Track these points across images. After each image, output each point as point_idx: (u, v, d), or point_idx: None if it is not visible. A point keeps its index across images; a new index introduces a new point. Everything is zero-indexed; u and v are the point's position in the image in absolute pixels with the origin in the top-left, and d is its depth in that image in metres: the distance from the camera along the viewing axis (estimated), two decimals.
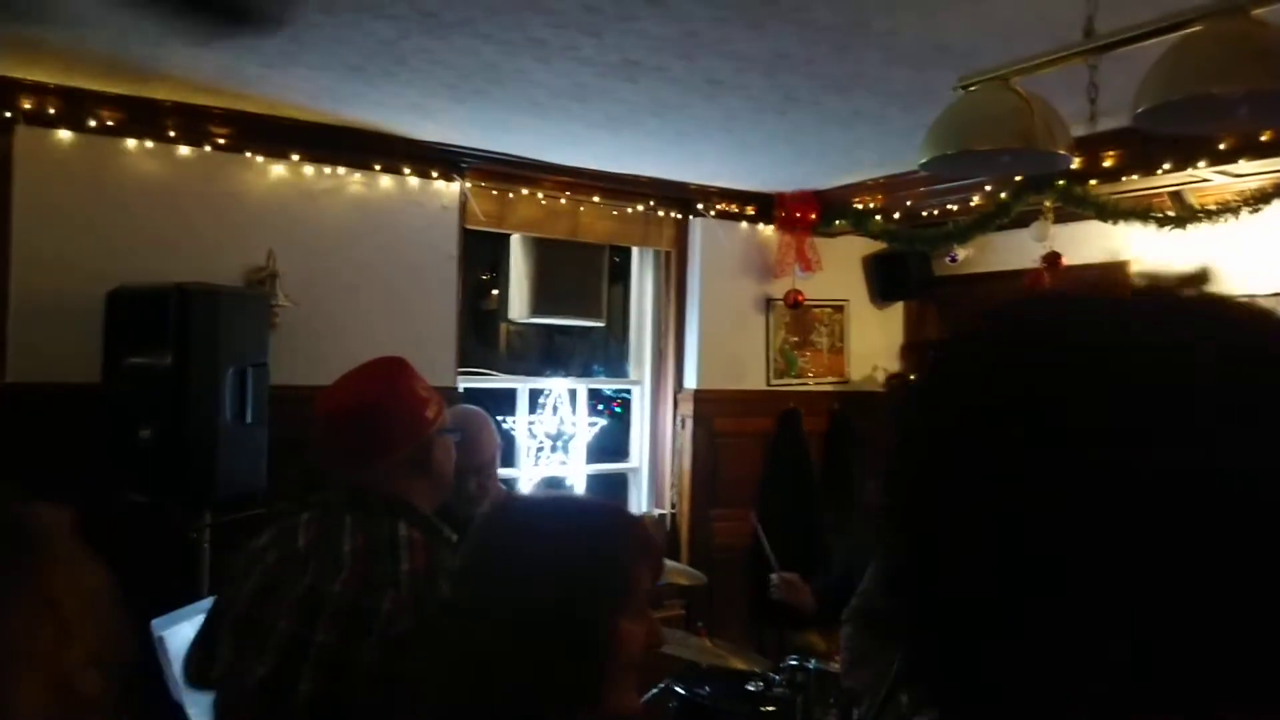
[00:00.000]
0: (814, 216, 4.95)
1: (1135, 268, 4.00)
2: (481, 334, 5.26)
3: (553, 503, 1.53)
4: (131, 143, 3.59)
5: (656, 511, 5.04)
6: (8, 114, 3.35)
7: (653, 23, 2.65)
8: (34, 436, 3.19)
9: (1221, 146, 3.48)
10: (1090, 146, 3.42)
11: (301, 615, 1.58)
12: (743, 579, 4.96)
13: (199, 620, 2.63)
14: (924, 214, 4.76)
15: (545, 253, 4.63)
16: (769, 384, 5.20)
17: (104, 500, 3.20)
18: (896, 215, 4.80)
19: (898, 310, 5.66)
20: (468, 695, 1.17)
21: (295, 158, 3.89)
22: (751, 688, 3.16)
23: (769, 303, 5.18)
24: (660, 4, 2.52)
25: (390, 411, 1.82)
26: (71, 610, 0.94)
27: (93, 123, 3.48)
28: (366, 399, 1.84)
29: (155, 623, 2.45)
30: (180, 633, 2.54)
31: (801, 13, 2.56)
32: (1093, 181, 3.90)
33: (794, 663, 3.07)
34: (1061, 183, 3.89)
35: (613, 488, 5.20)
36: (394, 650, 1.51)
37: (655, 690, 3.31)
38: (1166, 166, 3.69)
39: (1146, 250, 4.40)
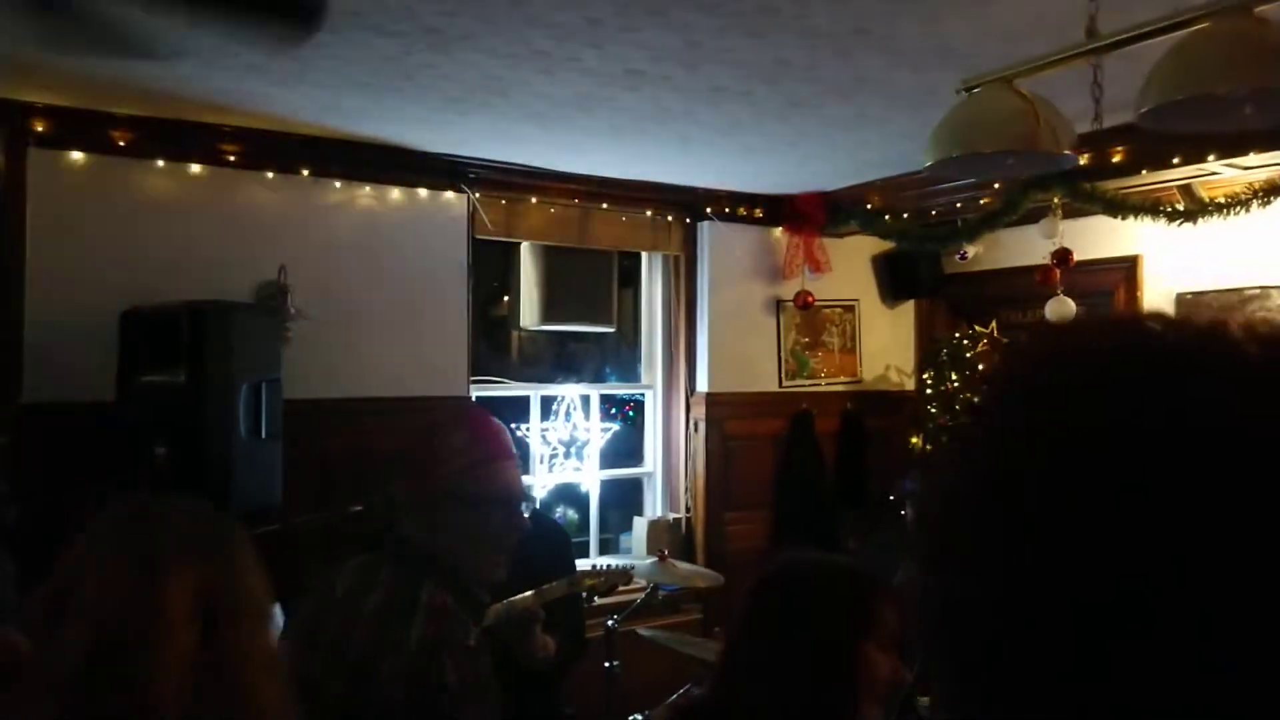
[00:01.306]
0: (822, 218, 4.95)
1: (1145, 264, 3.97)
2: (493, 342, 5.28)
3: (815, 557, 1.75)
4: (142, 162, 3.62)
5: (672, 516, 5.04)
6: (20, 136, 3.39)
7: (654, 33, 2.66)
8: (50, 456, 3.22)
9: (1229, 140, 3.46)
10: (1097, 142, 3.41)
11: (324, 666, 1.60)
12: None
13: None
14: (932, 212, 4.75)
15: (554, 260, 4.65)
16: (781, 385, 5.20)
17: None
18: (905, 214, 4.79)
19: (909, 309, 5.65)
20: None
21: (304, 173, 3.91)
22: None
23: (779, 304, 5.18)
24: (661, 14, 2.53)
25: (409, 454, 1.81)
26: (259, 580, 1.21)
27: (103, 143, 3.52)
28: (412, 436, 1.86)
29: None
30: None
31: (801, 20, 2.56)
32: (1100, 178, 3.89)
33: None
34: (1069, 179, 3.87)
35: (627, 493, 5.21)
36: (390, 717, 1.50)
37: (676, 695, 3.32)
38: (1176, 160, 3.68)
39: (1157, 245, 4.38)
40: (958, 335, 5.09)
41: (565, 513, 5.24)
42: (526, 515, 1.85)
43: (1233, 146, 3.49)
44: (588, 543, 4.98)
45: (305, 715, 1.61)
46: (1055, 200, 4.16)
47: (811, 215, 4.93)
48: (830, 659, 1.44)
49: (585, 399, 4.96)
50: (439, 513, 1.72)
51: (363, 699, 1.54)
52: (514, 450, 1.86)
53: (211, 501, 3.12)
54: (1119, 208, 3.98)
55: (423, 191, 4.19)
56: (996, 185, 4.23)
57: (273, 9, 2.10)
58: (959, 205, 4.59)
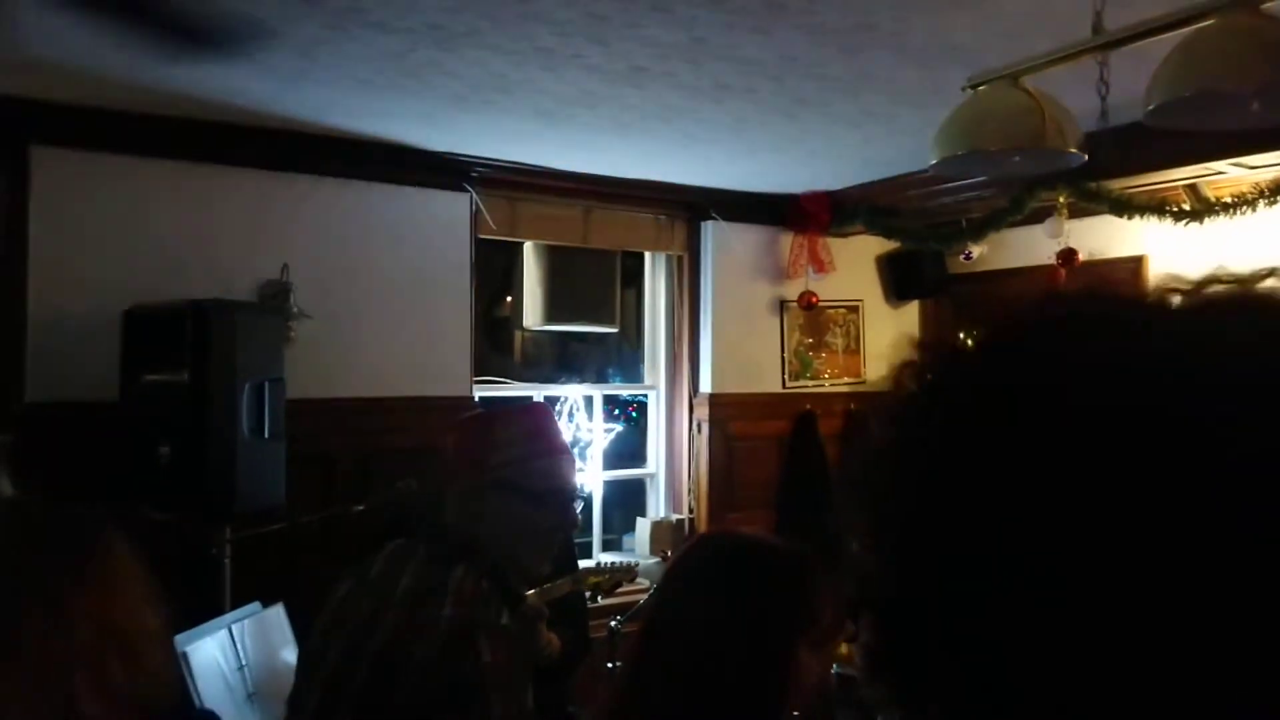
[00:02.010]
0: (826, 217, 4.93)
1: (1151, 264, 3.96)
2: (496, 342, 5.27)
3: (745, 535, 1.58)
4: (145, 161, 3.62)
5: (675, 517, 5.03)
6: (23, 134, 3.39)
7: (659, 29, 2.65)
8: (54, 455, 3.21)
9: (1236, 138, 3.44)
10: (1103, 141, 3.39)
11: (347, 651, 1.56)
12: None
13: (222, 635, 2.66)
14: (937, 212, 4.74)
15: (558, 260, 4.64)
16: (784, 386, 5.19)
17: (124, 518, 3.23)
18: (909, 214, 4.77)
19: (913, 309, 5.63)
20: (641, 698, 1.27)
21: (308, 172, 3.91)
22: None
23: (783, 305, 5.16)
24: (666, 10, 2.52)
25: (454, 442, 1.76)
26: (127, 619, 0.99)
27: (106, 141, 3.51)
28: (454, 425, 1.82)
29: (179, 638, 2.46)
30: (203, 648, 2.56)
31: (808, 16, 2.55)
32: (1106, 177, 3.87)
33: None
34: (1075, 178, 3.86)
35: (630, 493, 5.20)
36: (421, 705, 1.47)
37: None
38: (1182, 159, 3.66)
39: (1163, 244, 4.36)
40: (962, 336, 5.07)
41: None
42: (579, 512, 1.82)
43: (1239, 146, 3.48)
44: (591, 543, 4.97)
45: (320, 706, 1.59)
46: (1061, 200, 4.14)
47: (816, 215, 4.91)
48: (754, 660, 1.24)
49: (588, 399, 4.95)
50: (488, 501, 1.68)
51: (390, 685, 1.50)
52: (568, 447, 1.83)
53: (214, 501, 3.12)
54: (1125, 207, 3.96)
55: (426, 190, 4.18)
56: (1002, 184, 4.22)
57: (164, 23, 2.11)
58: (964, 205, 4.57)
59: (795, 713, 1.29)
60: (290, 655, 2.90)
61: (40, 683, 0.97)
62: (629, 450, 5.22)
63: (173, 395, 3.10)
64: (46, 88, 3.30)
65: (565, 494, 1.74)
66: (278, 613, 2.94)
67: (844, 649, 3.26)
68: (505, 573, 1.66)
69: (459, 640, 1.51)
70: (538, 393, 4.82)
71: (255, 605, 2.89)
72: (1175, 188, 4.00)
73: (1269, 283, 0.49)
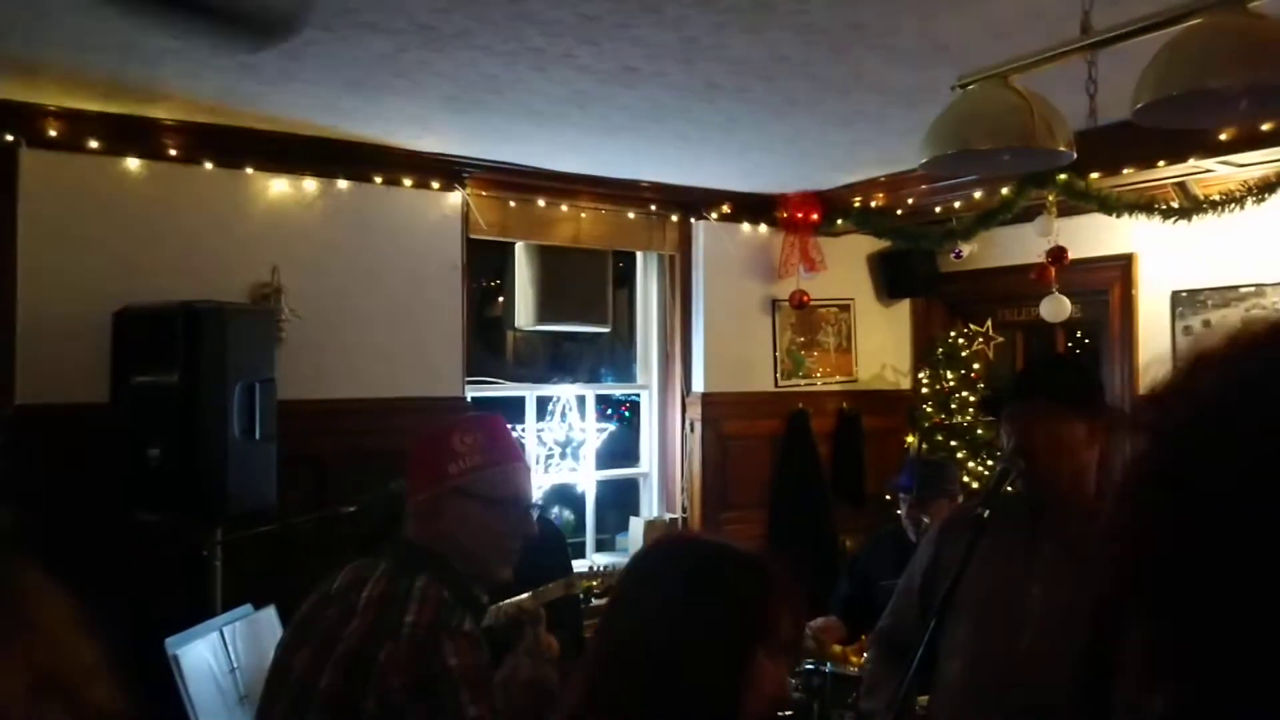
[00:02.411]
0: (816, 217, 4.94)
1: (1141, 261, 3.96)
2: (488, 342, 5.27)
3: (700, 539, 1.57)
4: (134, 163, 3.61)
5: (668, 516, 5.04)
6: (11, 137, 3.37)
7: (649, 29, 2.65)
8: (44, 457, 3.20)
9: (1224, 137, 3.46)
10: (1092, 139, 3.41)
11: (313, 659, 1.59)
12: None
13: (213, 637, 2.65)
14: (928, 211, 4.75)
15: (549, 260, 4.63)
16: (776, 385, 5.19)
17: (115, 520, 3.22)
18: (900, 213, 4.79)
19: (904, 308, 5.64)
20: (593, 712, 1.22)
21: (298, 173, 3.90)
22: None
23: (774, 304, 5.17)
24: (657, 10, 2.52)
25: (413, 455, 1.78)
26: (61, 661, 0.92)
27: (95, 144, 3.50)
28: (414, 439, 1.83)
29: (169, 641, 2.46)
30: (194, 650, 2.55)
31: (798, 16, 2.56)
32: (1095, 175, 3.89)
33: (810, 667, 3.07)
34: (1064, 177, 3.87)
35: (623, 493, 5.20)
36: (391, 707, 1.49)
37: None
38: (1170, 158, 3.67)
39: (1152, 243, 4.39)
40: (953, 334, 5.09)
41: (561, 513, 5.23)
42: (535, 520, 1.83)
43: (1227, 144, 3.49)
44: (584, 543, 4.97)
45: (290, 712, 1.59)
46: (1050, 198, 4.16)
47: (807, 214, 4.92)
48: (709, 664, 1.20)
49: (581, 399, 4.95)
50: (447, 510, 1.70)
51: (359, 690, 1.52)
52: (524, 455, 1.85)
53: (206, 502, 3.11)
54: (1114, 205, 3.98)
55: (417, 191, 4.18)
56: (992, 183, 4.23)
57: (241, 17, 2.09)
58: (955, 204, 4.59)
59: (756, 715, 1.25)
60: None
61: None
62: (622, 450, 5.22)
63: (163, 397, 3.09)
64: (34, 90, 3.29)
65: (522, 501, 1.77)
66: (269, 615, 2.93)
67: (837, 649, 3.28)
68: (465, 582, 1.67)
69: (423, 644, 1.53)
70: (530, 393, 4.82)
71: (247, 607, 2.88)
72: (1164, 186, 4.02)
73: None
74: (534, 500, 1.83)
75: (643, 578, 1.33)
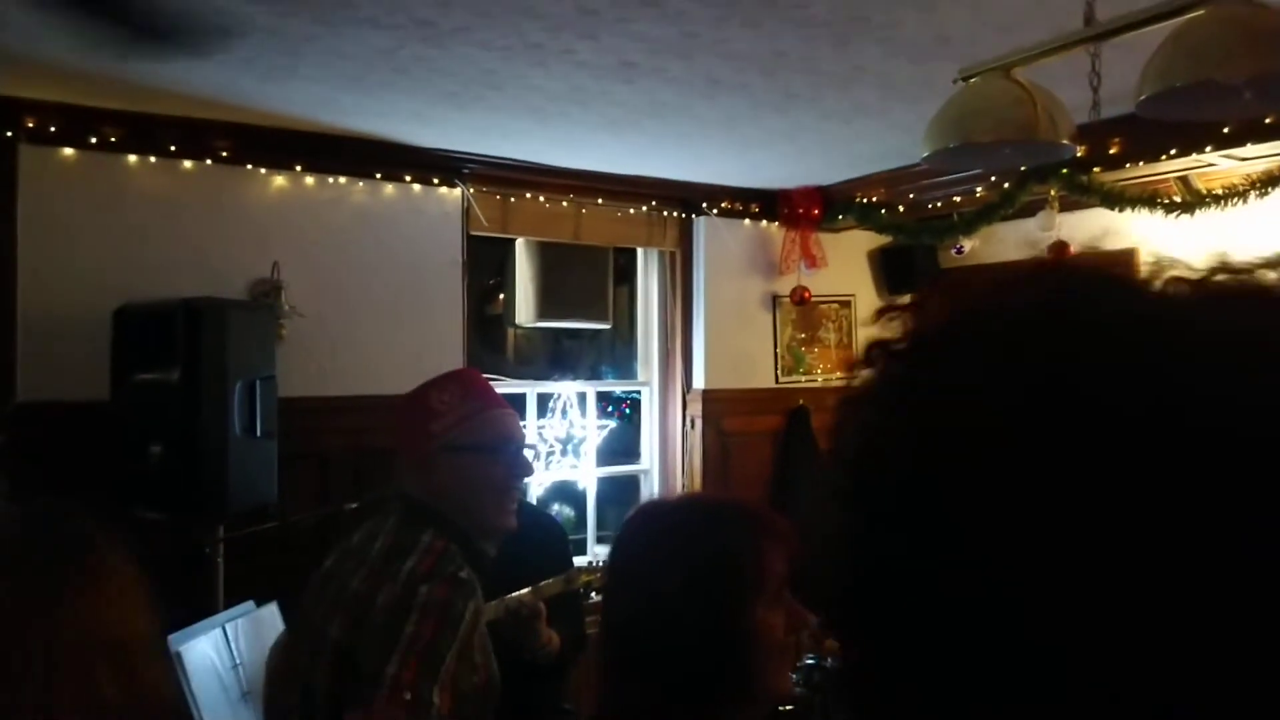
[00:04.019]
0: (818, 212, 4.94)
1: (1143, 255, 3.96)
2: (488, 339, 5.26)
3: (680, 502, 1.60)
4: (134, 158, 3.60)
5: None
6: (10, 133, 3.37)
7: (649, 24, 2.64)
8: (45, 455, 3.20)
9: (1227, 130, 3.45)
10: (1095, 134, 3.40)
11: (328, 609, 1.64)
12: None
13: (215, 634, 2.64)
14: (929, 206, 4.74)
15: (550, 256, 4.63)
16: (777, 382, 5.19)
17: (116, 517, 3.21)
18: (901, 208, 4.78)
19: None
20: (615, 696, 1.23)
21: (297, 169, 3.89)
22: None
23: (775, 300, 5.16)
24: (656, 5, 2.51)
25: (398, 419, 1.84)
26: (117, 629, 0.95)
27: (95, 140, 3.49)
28: (399, 400, 1.88)
29: (172, 638, 2.45)
30: (197, 647, 2.55)
31: (799, 9, 2.55)
32: (1097, 169, 3.88)
33: (811, 662, 3.06)
34: (1066, 171, 3.86)
35: (624, 490, 5.20)
36: (383, 645, 1.51)
37: None
38: (1173, 152, 3.67)
39: (1154, 237, 4.37)
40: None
41: (562, 510, 5.22)
42: (531, 460, 1.87)
43: (1231, 137, 3.48)
44: (585, 540, 4.96)
45: (310, 662, 1.63)
46: (1052, 193, 4.15)
47: (807, 210, 4.92)
48: (710, 620, 1.18)
49: (581, 396, 4.94)
50: (440, 466, 1.73)
51: (360, 631, 1.56)
52: (506, 401, 1.87)
53: (207, 500, 3.11)
54: (1116, 200, 3.97)
55: (417, 187, 4.17)
56: (993, 178, 4.22)
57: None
58: (956, 199, 4.58)
59: (772, 667, 1.24)
60: None
61: (13, 694, 0.92)
62: (623, 447, 5.21)
63: (164, 394, 3.09)
64: (33, 86, 3.28)
65: (515, 443, 1.80)
66: (271, 611, 2.93)
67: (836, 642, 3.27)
68: (471, 538, 1.71)
69: (406, 587, 1.56)
70: (531, 390, 4.82)
71: (249, 604, 2.88)
72: (1166, 180, 4.00)
73: (1272, 274, 0.43)
74: (525, 440, 1.85)
75: (629, 559, 1.32)
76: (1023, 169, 3.94)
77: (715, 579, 1.21)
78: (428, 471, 1.75)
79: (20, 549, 1.01)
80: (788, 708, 3.05)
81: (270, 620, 2.90)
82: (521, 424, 1.93)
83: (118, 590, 1.01)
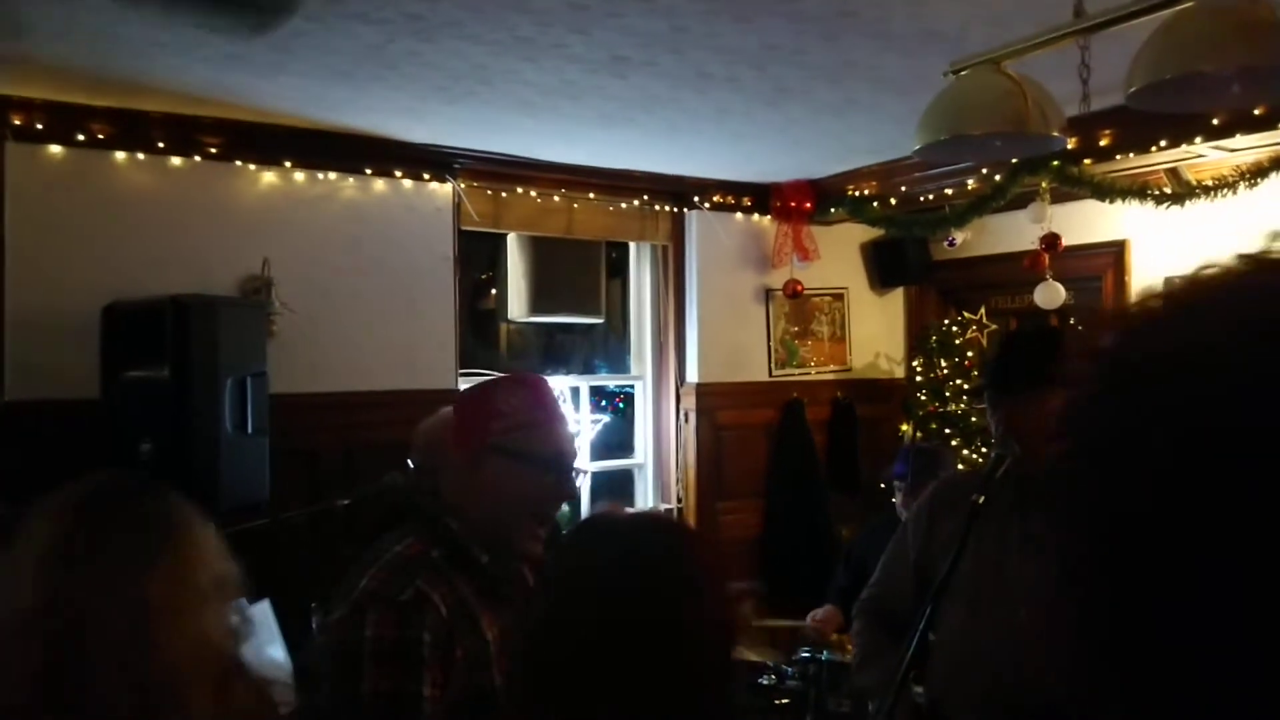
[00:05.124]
0: (810, 206, 4.94)
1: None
2: (481, 334, 5.25)
3: (614, 519, 1.52)
4: (122, 155, 3.58)
5: (664, 507, 5.03)
6: None
7: (640, 18, 2.64)
8: (35, 454, 3.18)
9: (1216, 122, 3.46)
10: (1085, 126, 3.41)
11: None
12: (753, 571, 4.96)
13: None
14: (920, 199, 4.75)
15: (542, 251, 4.62)
16: (771, 375, 5.19)
17: None
18: (893, 201, 4.78)
19: (898, 296, 5.64)
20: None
21: (287, 165, 3.88)
22: (764, 681, 3.15)
23: (768, 293, 5.16)
24: None
25: (456, 412, 1.78)
26: (205, 580, 1.17)
27: (82, 137, 3.47)
28: (460, 395, 1.86)
29: None
30: None
31: (790, 3, 2.54)
32: (1088, 161, 3.88)
33: (806, 655, 3.07)
34: (1057, 163, 3.87)
35: (618, 484, 5.20)
36: (310, 669, 1.52)
37: None
38: (1162, 143, 3.67)
39: (1144, 228, 4.38)
40: (947, 322, 5.09)
41: None
42: (579, 483, 1.80)
43: (1220, 129, 3.49)
44: None
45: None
46: (1043, 185, 4.15)
47: (800, 203, 4.92)
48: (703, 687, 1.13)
49: (575, 390, 4.94)
50: (486, 467, 1.66)
51: (318, 649, 1.57)
52: (567, 420, 1.83)
53: (198, 497, 3.10)
54: (1107, 191, 3.98)
55: (408, 182, 4.16)
56: (985, 170, 4.22)
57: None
58: (947, 191, 4.58)
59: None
60: (276, 651, 2.88)
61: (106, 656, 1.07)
62: (617, 441, 5.21)
63: (154, 391, 3.08)
64: (20, 83, 3.26)
65: (567, 460, 1.72)
66: (263, 609, 2.92)
67: (835, 638, 3.28)
68: (463, 543, 1.64)
69: (353, 611, 1.53)
70: None
71: (241, 602, 2.87)
72: (1156, 171, 4.01)
73: None
74: (576, 462, 1.76)
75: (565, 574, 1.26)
76: (1014, 161, 3.94)
77: (706, 623, 1.17)
78: (471, 469, 1.67)
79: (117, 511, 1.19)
80: (783, 701, 3.06)
81: (262, 617, 2.89)
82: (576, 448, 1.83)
83: (207, 543, 1.21)
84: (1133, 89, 1.89)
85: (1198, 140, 3.58)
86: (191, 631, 1.12)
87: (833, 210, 4.94)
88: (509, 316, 4.73)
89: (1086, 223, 4.49)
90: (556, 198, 4.54)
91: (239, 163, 3.79)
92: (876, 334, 5.55)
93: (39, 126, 3.40)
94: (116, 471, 1.29)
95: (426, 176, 4.18)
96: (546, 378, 1.86)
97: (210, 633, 1.15)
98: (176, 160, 3.67)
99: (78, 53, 2.91)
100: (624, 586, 1.17)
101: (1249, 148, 3.68)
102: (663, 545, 1.23)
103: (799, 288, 5.02)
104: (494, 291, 4.94)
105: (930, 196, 4.69)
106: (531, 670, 1.20)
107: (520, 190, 4.43)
